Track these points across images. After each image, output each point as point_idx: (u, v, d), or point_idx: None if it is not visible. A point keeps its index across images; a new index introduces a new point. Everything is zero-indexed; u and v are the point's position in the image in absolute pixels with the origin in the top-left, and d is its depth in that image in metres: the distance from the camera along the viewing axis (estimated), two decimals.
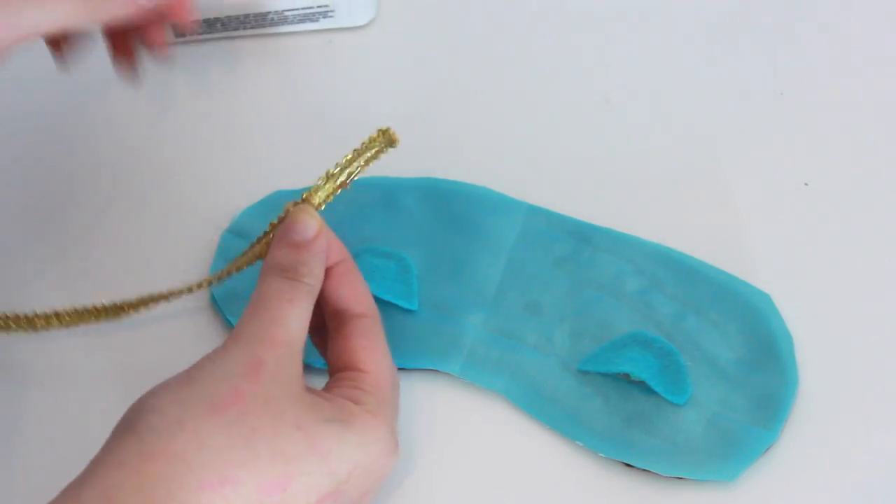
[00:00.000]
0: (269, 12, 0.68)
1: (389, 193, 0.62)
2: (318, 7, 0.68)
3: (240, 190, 0.64)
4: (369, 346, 0.52)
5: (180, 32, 0.61)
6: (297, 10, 0.68)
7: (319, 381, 0.57)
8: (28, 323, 0.55)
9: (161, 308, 0.59)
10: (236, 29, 0.69)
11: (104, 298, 0.61)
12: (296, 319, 0.49)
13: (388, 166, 0.63)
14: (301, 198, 0.53)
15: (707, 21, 0.69)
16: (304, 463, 0.46)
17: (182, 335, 0.60)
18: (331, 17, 0.69)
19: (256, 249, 0.54)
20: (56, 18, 0.51)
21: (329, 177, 0.54)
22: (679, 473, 0.54)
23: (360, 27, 0.69)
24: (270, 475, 0.45)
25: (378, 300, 0.59)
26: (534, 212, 0.62)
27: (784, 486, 0.54)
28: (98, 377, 0.59)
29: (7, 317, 0.55)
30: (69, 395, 0.58)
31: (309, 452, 0.47)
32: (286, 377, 0.48)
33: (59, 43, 0.57)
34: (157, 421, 0.45)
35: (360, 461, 0.48)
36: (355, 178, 0.54)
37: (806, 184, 0.63)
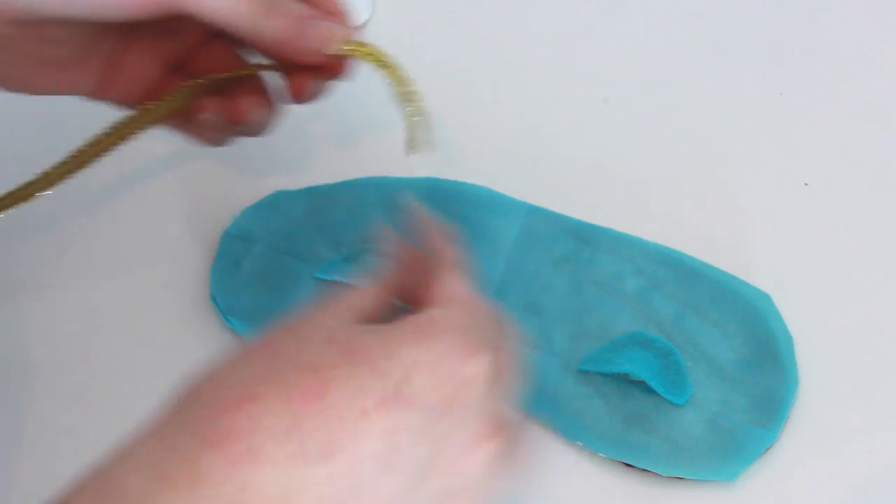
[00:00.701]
0: None
1: (390, 193, 0.62)
2: None
3: (240, 190, 0.64)
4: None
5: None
6: None
7: None
8: None
9: (158, 307, 0.60)
10: None
11: (105, 298, 0.61)
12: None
13: (388, 166, 0.64)
14: None
15: (707, 21, 0.69)
16: (340, 369, 0.41)
17: (180, 334, 0.60)
18: None
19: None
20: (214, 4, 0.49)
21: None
22: (679, 473, 0.54)
23: (356, 28, 0.69)
24: (299, 385, 0.40)
25: None
26: (534, 212, 0.62)
27: (784, 486, 0.54)
28: (94, 375, 0.59)
29: None
30: (66, 393, 0.59)
31: (345, 360, 0.41)
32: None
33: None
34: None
35: (419, 358, 0.42)
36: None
37: (806, 184, 0.63)
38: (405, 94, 0.54)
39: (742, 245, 0.61)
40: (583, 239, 0.61)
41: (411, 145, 0.55)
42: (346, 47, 0.53)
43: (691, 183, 0.63)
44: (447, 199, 0.62)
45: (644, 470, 0.55)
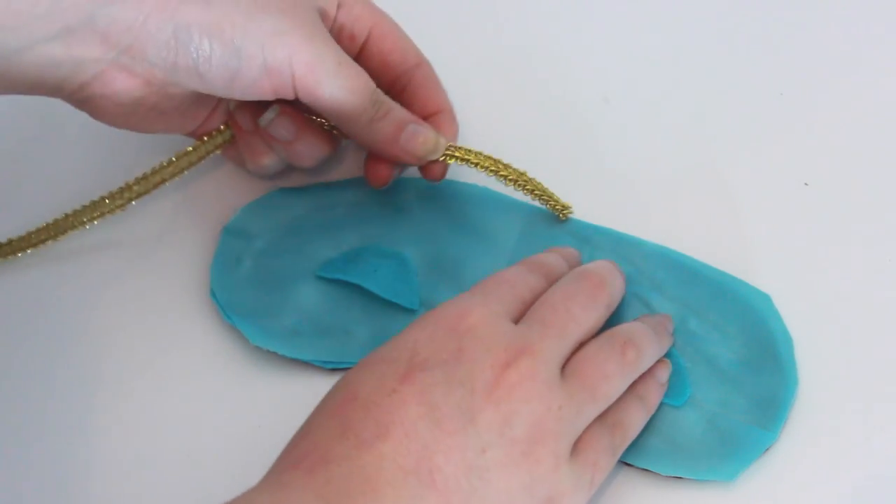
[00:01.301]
0: None
1: (390, 193, 0.62)
2: None
3: (241, 187, 0.64)
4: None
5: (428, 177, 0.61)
6: None
7: (321, 380, 0.57)
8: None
9: (158, 304, 0.60)
10: None
11: (104, 293, 0.61)
12: None
13: None
14: None
15: (707, 21, 0.69)
16: (362, 373, 0.49)
17: (179, 330, 0.60)
18: None
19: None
20: (339, 87, 0.55)
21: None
22: (679, 473, 0.54)
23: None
24: (335, 400, 0.49)
25: (378, 299, 0.59)
26: (534, 212, 0.62)
27: (783, 486, 0.54)
28: (94, 371, 0.59)
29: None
30: (66, 389, 0.59)
31: (363, 369, 0.50)
32: None
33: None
34: None
35: (417, 336, 0.50)
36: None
37: (806, 184, 0.63)
38: (517, 181, 0.60)
39: (742, 245, 0.61)
40: (583, 239, 0.61)
41: (559, 213, 0.61)
42: (445, 153, 0.59)
43: (691, 183, 0.63)
44: (447, 198, 0.62)
45: (644, 469, 0.55)
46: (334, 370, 0.58)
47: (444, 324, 0.50)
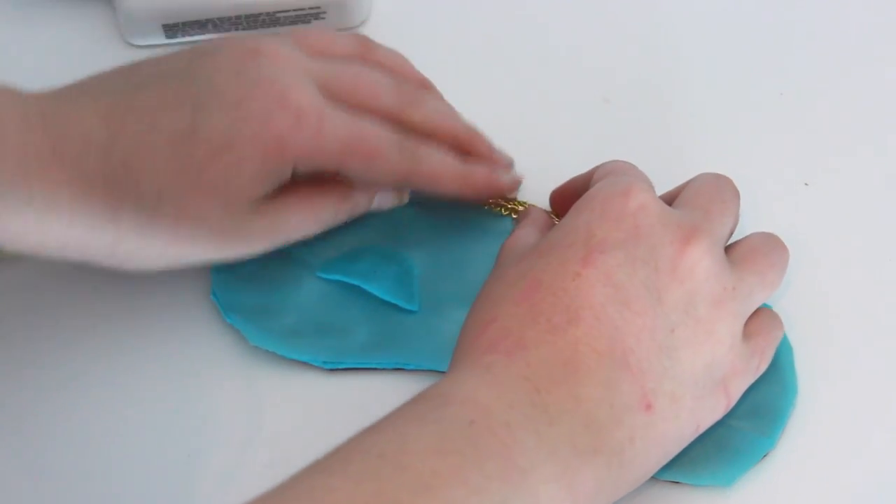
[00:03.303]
0: (261, 14, 0.67)
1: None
2: (310, 9, 0.67)
3: None
4: None
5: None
6: (288, 11, 0.67)
7: (320, 380, 0.58)
8: None
9: (159, 302, 0.60)
10: (228, 30, 0.68)
11: (105, 292, 0.61)
12: None
13: None
14: None
15: (707, 20, 0.69)
16: (537, 261, 0.50)
17: (180, 330, 0.60)
18: (322, 18, 0.68)
19: None
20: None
21: None
22: (675, 478, 0.54)
23: (353, 28, 0.69)
24: (516, 288, 0.49)
25: (378, 300, 0.59)
26: None
27: (780, 492, 0.54)
28: (93, 369, 0.59)
29: None
30: (67, 388, 0.59)
31: (536, 257, 0.50)
32: None
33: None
34: None
35: (588, 218, 0.50)
36: None
37: (806, 184, 0.63)
38: (496, 205, 0.62)
39: None
40: None
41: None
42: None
43: None
44: (449, 200, 0.62)
45: None
46: (333, 370, 0.58)
47: (613, 203, 0.50)
